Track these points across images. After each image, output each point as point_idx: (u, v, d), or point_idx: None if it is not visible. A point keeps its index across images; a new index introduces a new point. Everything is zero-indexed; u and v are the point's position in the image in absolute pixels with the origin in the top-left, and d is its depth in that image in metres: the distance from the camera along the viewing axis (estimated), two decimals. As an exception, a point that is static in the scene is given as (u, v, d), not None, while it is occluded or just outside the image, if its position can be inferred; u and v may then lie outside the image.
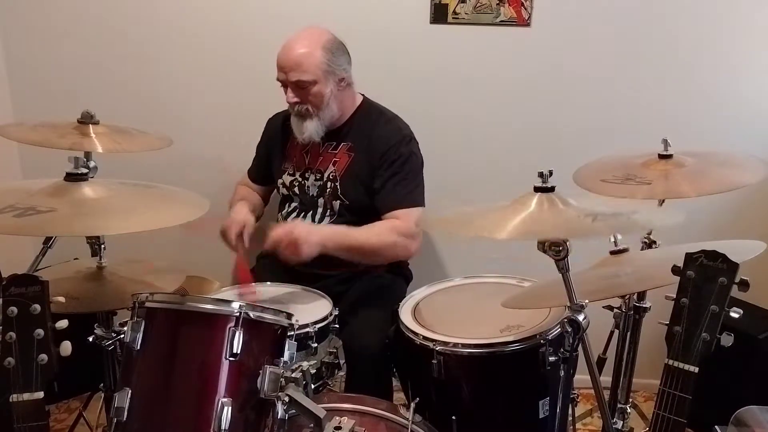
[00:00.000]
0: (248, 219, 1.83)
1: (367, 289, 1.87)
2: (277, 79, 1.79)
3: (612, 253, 1.53)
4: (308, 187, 1.92)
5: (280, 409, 1.12)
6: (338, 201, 1.88)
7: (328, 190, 1.89)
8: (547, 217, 1.22)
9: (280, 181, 1.98)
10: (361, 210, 1.86)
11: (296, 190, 1.94)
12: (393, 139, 1.85)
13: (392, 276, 1.98)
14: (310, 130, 1.82)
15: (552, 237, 1.19)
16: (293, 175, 1.95)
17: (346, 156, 1.88)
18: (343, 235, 1.72)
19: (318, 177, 1.90)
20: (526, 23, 2.18)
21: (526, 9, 2.17)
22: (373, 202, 1.85)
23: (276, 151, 2.01)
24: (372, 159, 1.85)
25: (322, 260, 1.83)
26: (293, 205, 1.98)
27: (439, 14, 2.19)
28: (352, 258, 1.75)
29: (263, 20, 2.21)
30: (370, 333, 1.65)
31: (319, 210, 1.90)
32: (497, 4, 2.17)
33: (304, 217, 1.93)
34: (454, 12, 2.18)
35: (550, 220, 1.21)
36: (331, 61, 1.77)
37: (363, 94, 1.96)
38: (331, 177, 1.88)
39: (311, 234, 1.65)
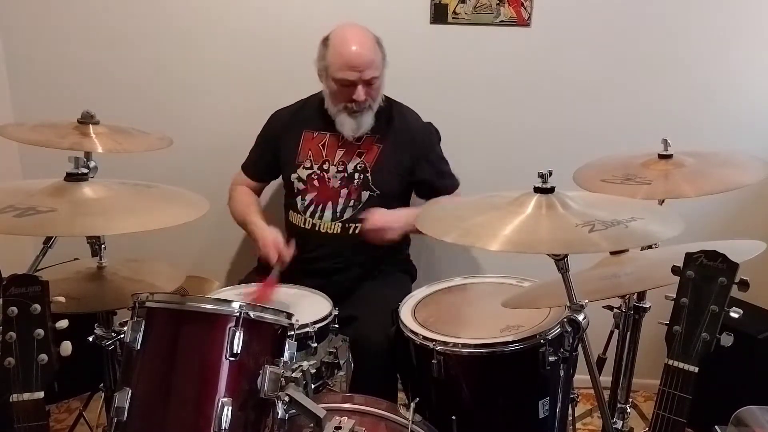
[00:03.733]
0: (276, 236, 1.81)
1: (375, 286, 1.88)
2: (345, 79, 1.80)
3: (612, 253, 1.53)
4: (329, 179, 1.92)
5: (280, 408, 1.12)
6: (368, 191, 1.89)
7: (356, 181, 1.90)
8: (543, 225, 1.20)
9: (294, 175, 1.96)
10: (391, 200, 1.89)
11: (315, 182, 1.93)
12: (424, 129, 1.98)
13: (398, 273, 2.00)
14: (365, 124, 1.87)
15: (546, 251, 1.18)
16: (310, 168, 1.94)
17: (375, 147, 1.91)
18: (414, 214, 1.70)
19: (341, 168, 1.91)
20: (526, 23, 2.18)
21: (526, 9, 2.17)
22: (403, 190, 1.98)
23: (286, 146, 1.99)
24: (405, 147, 1.92)
25: (330, 257, 1.89)
26: (309, 197, 1.94)
27: (439, 14, 2.19)
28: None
29: (264, 21, 2.21)
30: (378, 329, 1.65)
31: (341, 200, 1.90)
32: (497, 4, 2.17)
33: (323, 208, 1.92)
34: (454, 12, 2.18)
35: (546, 229, 1.19)
36: (384, 55, 1.86)
37: None
38: (359, 168, 1.90)
39: (392, 220, 1.82)
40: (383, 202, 1.89)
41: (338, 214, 1.91)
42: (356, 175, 1.89)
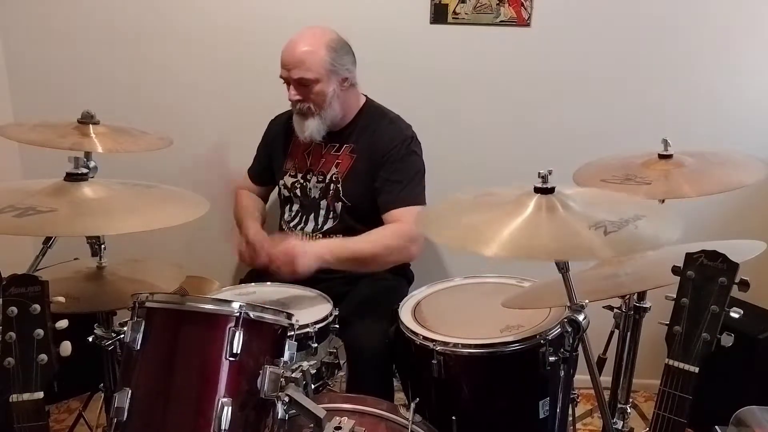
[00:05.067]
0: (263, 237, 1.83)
1: (370, 290, 1.87)
2: (280, 76, 1.79)
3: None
4: (310, 189, 1.92)
5: (280, 409, 1.12)
6: (340, 203, 1.87)
7: (330, 191, 1.88)
8: (545, 227, 1.18)
9: (281, 182, 1.98)
10: (362, 212, 1.86)
11: (297, 192, 1.94)
12: (395, 140, 1.85)
13: (395, 277, 1.98)
14: (311, 128, 1.82)
15: (546, 258, 1.17)
16: (294, 176, 1.95)
17: (348, 158, 1.88)
18: (340, 246, 1.72)
19: (320, 179, 1.90)
20: (526, 23, 2.18)
21: (526, 9, 2.17)
22: (375, 202, 1.84)
23: (278, 151, 2.00)
24: (374, 160, 1.84)
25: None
26: (295, 207, 1.96)
27: (439, 14, 2.19)
28: (353, 268, 1.75)
29: (264, 20, 2.21)
30: (372, 334, 1.65)
31: (321, 212, 1.90)
32: (497, 4, 2.17)
33: (306, 220, 1.92)
34: (454, 12, 2.18)
35: (552, 234, 1.17)
36: (334, 61, 1.77)
37: (366, 96, 1.96)
38: (333, 179, 1.88)
39: (309, 247, 1.65)
40: (356, 213, 1.86)
41: (319, 225, 1.90)
42: (331, 186, 1.88)
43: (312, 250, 1.65)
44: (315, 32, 1.78)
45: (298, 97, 1.78)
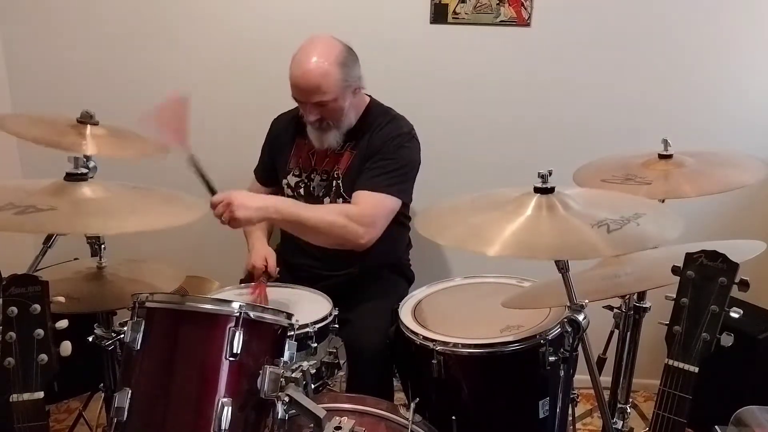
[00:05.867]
0: (268, 252, 1.89)
1: (369, 289, 1.87)
2: (295, 98, 1.78)
3: (612, 253, 1.53)
4: (314, 187, 1.92)
5: (280, 409, 1.12)
6: (341, 199, 1.88)
7: (332, 189, 1.89)
8: (544, 228, 1.19)
9: (284, 181, 1.97)
10: None
11: (301, 191, 1.93)
12: (391, 134, 1.85)
13: (394, 277, 1.99)
14: (330, 140, 1.83)
15: (549, 256, 1.17)
16: (299, 176, 1.95)
17: (349, 154, 1.88)
18: (287, 207, 1.66)
19: (324, 177, 1.91)
20: (526, 23, 2.18)
21: (526, 9, 2.17)
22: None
23: (281, 151, 2.00)
24: (369, 155, 1.85)
25: (324, 260, 1.87)
26: None
27: (439, 14, 2.19)
28: (294, 232, 1.71)
29: (265, 21, 2.21)
30: (372, 333, 1.65)
31: None
32: (497, 4, 2.17)
33: None
34: (454, 12, 2.18)
35: (548, 231, 1.18)
36: (347, 76, 1.74)
37: (370, 95, 1.96)
38: (335, 176, 1.89)
39: (249, 199, 1.58)
40: None
41: None
42: (333, 183, 1.88)
43: (254, 203, 1.58)
44: (321, 50, 1.72)
45: (317, 118, 1.77)
